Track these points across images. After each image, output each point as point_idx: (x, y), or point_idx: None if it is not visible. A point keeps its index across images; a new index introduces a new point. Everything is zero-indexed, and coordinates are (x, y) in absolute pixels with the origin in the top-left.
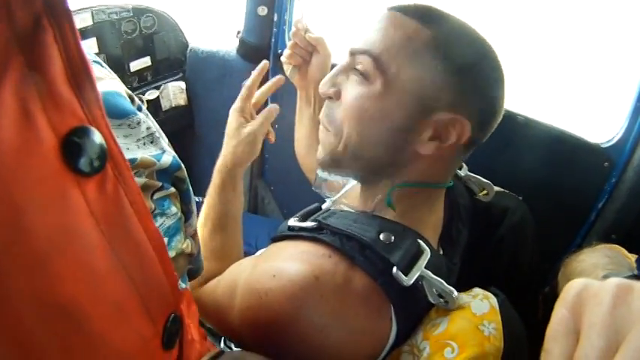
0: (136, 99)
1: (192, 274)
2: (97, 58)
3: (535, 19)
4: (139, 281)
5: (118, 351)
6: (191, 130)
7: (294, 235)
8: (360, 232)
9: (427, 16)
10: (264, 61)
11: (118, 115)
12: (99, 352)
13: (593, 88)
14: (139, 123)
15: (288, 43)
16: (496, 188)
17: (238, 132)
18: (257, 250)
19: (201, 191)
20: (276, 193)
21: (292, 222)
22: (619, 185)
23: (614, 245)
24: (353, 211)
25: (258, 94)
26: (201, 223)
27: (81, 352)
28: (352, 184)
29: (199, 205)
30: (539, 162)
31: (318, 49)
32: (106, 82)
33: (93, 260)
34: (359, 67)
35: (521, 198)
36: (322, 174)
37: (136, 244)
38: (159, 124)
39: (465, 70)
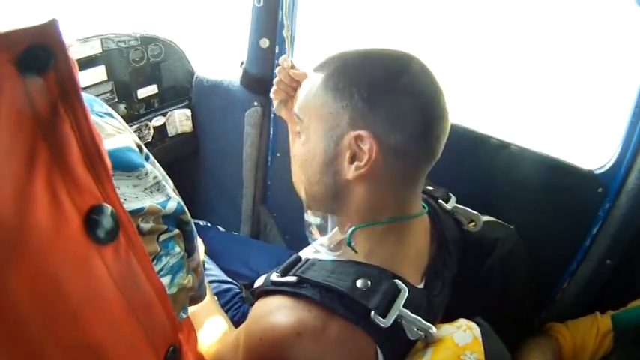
0: (144, 148)
1: (193, 300)
2: (109, 110)
3: (527, 48)
4: (146, 323)
5: None
6: (196, 157)
7: (276, 290)
8: (338, 283)
9: (322, 63)
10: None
11: (129, 168)
12: None
13: (586, 116)
14: (146, 174)
15: (274, 80)
16: (487, 218)
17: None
18: (258, 275)
19: (205, 216)
20: (278, 220)
21: (274, 277)
22: (613, 211)
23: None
24: (331, 258)
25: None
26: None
27: None
28: (330, 228)
29: (205, 229)
30: (532, 190)
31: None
32: (117, 138)
33: (112, 310)
34: (297, 127)
35: (513, 227)
36: (308, 218)
37: (144, 294)
38: (165, 150)
39: (346, 89)
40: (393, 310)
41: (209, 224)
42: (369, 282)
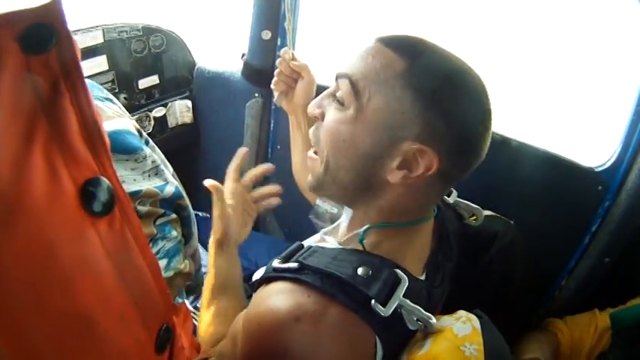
0: (144, 133)
1: (191, 290)
2: (109, 95)
3: (531, 45)
4: (138, 297)
5: (119, 351)
6: (197, 148)
7: (278, 276)
8: (339, 270)
9: (405, 48)
10: (242, 149)
11: (127, 151)
12: (105, 351)
13: (587, 113)
14: (145, 157)
15: (275, 71)
16: (488, 212)
17: (223, 213)
18: (257, 267)
19: (205, 207)
20: (277, 212)
21: (276, 263)
22: (612, 209)
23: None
24: (334, 247)
25: (247, 177)
26: (204, 288)
27: (92, 349)
28: (342, 219)
29: (205, 220)
30: (533, 186)
31: (303, 76)
32: (116, 120)
33: (104, 281)
34: (338, 92)
35: (513, 222)
36: (321, 204)
37: (137, 269)
38: (165, 141)
39: (435, 103)
40: (393, 299)
41: (208, 215)
42: (370, 270)
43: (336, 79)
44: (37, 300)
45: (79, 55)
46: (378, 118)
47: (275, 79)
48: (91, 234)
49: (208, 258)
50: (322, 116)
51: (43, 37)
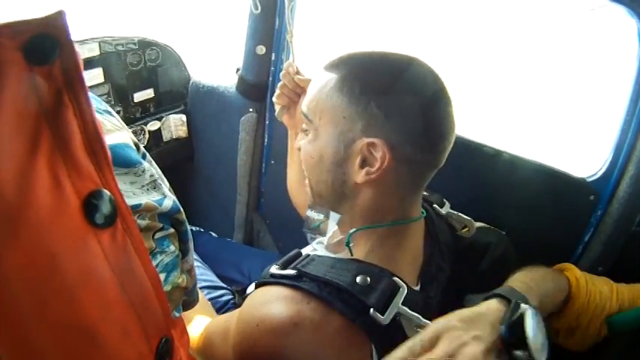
0: (141, 147)
1: (187, 305)
2: (108, 107)
3: (522, 57)
4: (140, 309)
5: None
6: (191, 162)
7: (276, 282)
8: (337, 278)
9: (336, 64)
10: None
11: (126, 164)
12: None
13: (578, 124)
14: (143, 171)
15: (278, 84)
16: (480, 224)
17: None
18: (250, 281)
19: (198, 221)
20: (271, 227)
21: (274, 270)
22: (605, 218)
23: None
24: (332, 256)
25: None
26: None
27: None
28: (330, 226)
29: (198, 234)
30: (525, 197)
31: (306, 91)
32: (116, 134)
33: (106, 292)
34: (303, 126)
35: (504, 233)
36: (311, 214)
37: (138, 281)
38: (160, 155)
39: (366, 97)
40: (392, 307)
41: (202, 230)
42: (369, 279)
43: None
44: (39, 311)
45: (82, 67)
46: (329, 130)
47: (277, 92)
48: (94, 246)
49: None
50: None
51: (46, 47)
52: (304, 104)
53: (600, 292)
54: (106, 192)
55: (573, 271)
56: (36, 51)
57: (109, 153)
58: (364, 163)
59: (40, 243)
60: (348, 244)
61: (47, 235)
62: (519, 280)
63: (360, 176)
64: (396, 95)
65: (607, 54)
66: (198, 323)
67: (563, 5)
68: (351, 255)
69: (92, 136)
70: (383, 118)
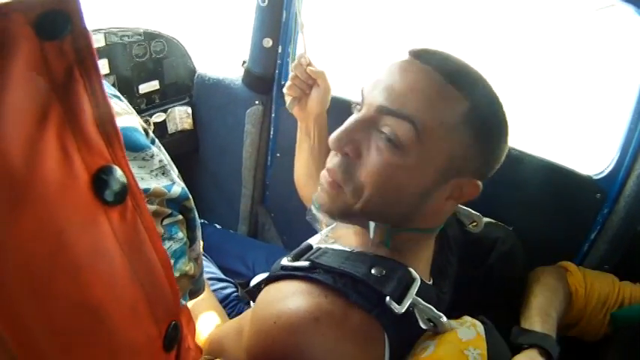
0: (150, 132)
1: (193, 294)
2: (116, 92)
3: (530, 54)
4: (149, 290)
5: (129, 347)
6: (196, 154)
7: (288, 274)
8: (352, 269)
9: (466, 85)
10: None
11: (135, 148)
12: (114, 345)
13: (585, 122)
14: (152, 156)
15: (290, 75)
16: (487, 219)
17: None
18: (254, 274)
19: (202, 213)
20: (276, 220)
21: (285, 262)
22: (611, 216)
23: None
24: (345, 249)
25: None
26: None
27: (101, 343)
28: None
29: (203, 226)
30: (531, 194)
31: (319, 83)
32: (125, 117)
33: (115, 272)
34: (391, 133)
35: (512, 229)
36: (317, 213)
37: (148, 261)
38: (165, 147)
39: (489, 140)
40: (408, 296)
41: (206, 222)
42: (384, 270)
43: (379, 111)
44: (44, 286)
45: (94, 44)
46: (439, 162)
47: (289, 83)
48: (103, 223)
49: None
50: (357, 155)
51: (58, 23)
52: (418, 110)
53: (599, 294)
54: (117, 168)
55: (575, 277)
56: (47, 26)
57: (120, 131)
58: (451, 195)
59: (48, 217)
60: (388, 245)
61: (55, 210)
62: (543, 310)
63: (441, 205)
64: (502, 141)
65: (614, 53)
66: (205, 322)
67: (569, 5)
68: (388, 249)
69: (103, 111)
70: (491, 163)
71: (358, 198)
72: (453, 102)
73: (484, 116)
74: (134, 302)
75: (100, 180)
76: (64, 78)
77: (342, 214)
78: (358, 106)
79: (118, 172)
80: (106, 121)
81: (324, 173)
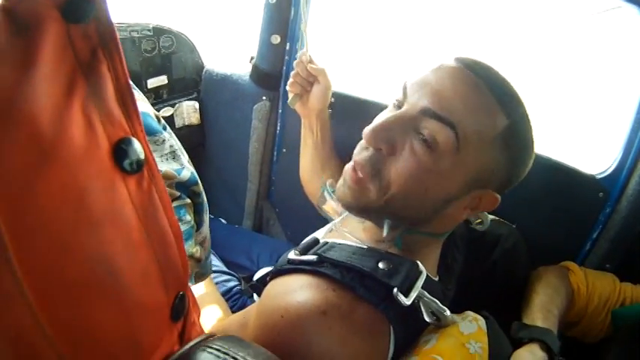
0: (162, 119)
1: (199, 277)
2: (129, 81)
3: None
4: (161, 257)
5: (138, 306)
6: (202, 149)
7: (295, 268)
8: (360, 263)
9: (507, 101)
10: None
11: (148, 132)
12: (124, 302)
13: (588, 121)
14: (163, 141)
15: (291, 73)
16: (490, 217)
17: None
18: (258, 268)
19: (208, 208)
20: (281, 215)
21: (292, 255)
22: (613, 215)
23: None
24: (352, 244)
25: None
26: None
27: (111, 298)
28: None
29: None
30: (534, 192)
31: (319, 80)
32: (140, 103)
33: (131, 234)
34: (429, 135)
35: (514, 226)
36: (328, 197)
37: (161, 229)
38: None
39: (518, 159)
40: (415, 289)
41: (212, 216)
42: (392, 264)
43: (423, 113)
44: (66, 237)
45: (116, 29)
46: (469, 173)
47: (291, 80)
48: (121, 188)
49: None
50: (391, 152)
51: (82, 8)
52: (461, 117)
53: (600, 293)
54: (135, 140)
55: (576, 276)
56: (72, 10)
57: (138, 107)
58: (470, 205)
59: (72, 178)
60: (399, 245)
61: (78, 172)
62: (544, 307)
63: (459, 213)
64: (529, 159)
65: (617, 54)
66: (207, 315)
67: (571, 7)
68: (399, 249)
69: (124, 89)
70: (515, 181)
71: (382, 195)
72: (495, 117)
73: (518, 136)
74: (146, 265)
75: (120, 150)
76: (88, 58)
77: (362, 209)
78: (396, 102)
79: (137, 144)
80: (126, 97)
81: (349, 167)
